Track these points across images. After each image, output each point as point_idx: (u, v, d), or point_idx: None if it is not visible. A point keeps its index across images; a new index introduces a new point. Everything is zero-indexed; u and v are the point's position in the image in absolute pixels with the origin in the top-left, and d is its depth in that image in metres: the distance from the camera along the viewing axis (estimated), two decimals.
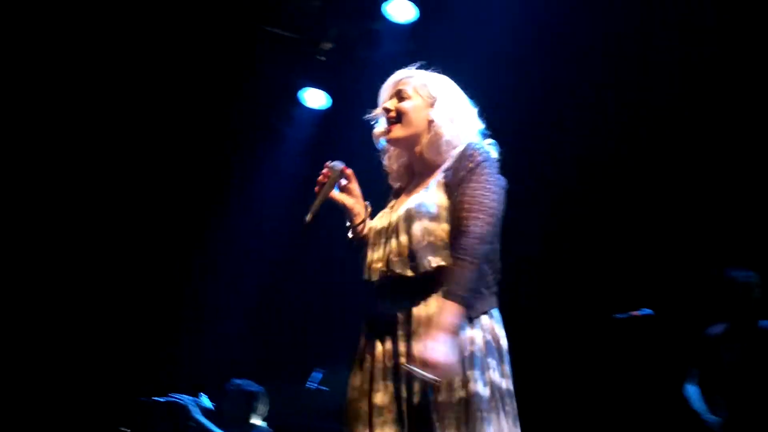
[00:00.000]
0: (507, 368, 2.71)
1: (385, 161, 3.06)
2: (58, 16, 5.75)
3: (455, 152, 2.84)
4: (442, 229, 2.73)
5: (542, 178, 5.98)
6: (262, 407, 5.19)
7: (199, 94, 6.38)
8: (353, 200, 2.98)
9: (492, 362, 2.66)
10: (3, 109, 5.93)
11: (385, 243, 2.80)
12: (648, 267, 5.73)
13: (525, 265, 5.80)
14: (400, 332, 2.69)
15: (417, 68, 3.04)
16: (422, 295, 2.69)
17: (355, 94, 5.44)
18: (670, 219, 5.74)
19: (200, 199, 6.74)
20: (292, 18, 6.10)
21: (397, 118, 2.94)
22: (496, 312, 2.76)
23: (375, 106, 2.99)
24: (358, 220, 2.96)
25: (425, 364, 2.50)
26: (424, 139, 2.91)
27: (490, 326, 2.70)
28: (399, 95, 2.97)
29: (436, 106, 2.92)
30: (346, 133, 4.24)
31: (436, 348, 2.51)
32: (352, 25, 5.93)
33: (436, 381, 2.52)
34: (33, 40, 5.79)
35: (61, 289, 6.39)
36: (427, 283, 2.69)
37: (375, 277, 2.78)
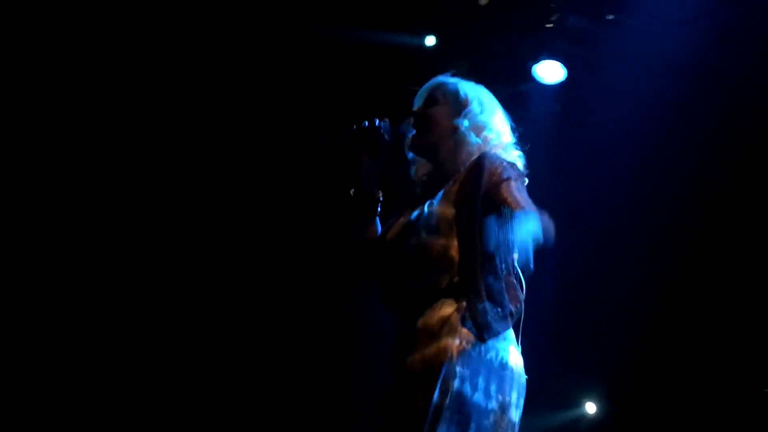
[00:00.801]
0: (492, 386, 2.41)
1: (413, 172, 2.93)
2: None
3: (469, 162, 2.68)
4: (439, 243, 2.54)
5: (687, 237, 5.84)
6: None
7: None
8: (369, 165, 2.85)
9: (462, 371, 2.39)
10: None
11: (393, 257, 2.67)
12: None
13: (671, 336, 5.68)
14: (401, 348, 2.55)
15: (453, 75, 2.91)
16: (425, 308, 2.52)
17: None
18: None
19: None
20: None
21: (420, 122, 2.82)
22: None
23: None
24: (369, 186, 2.84)
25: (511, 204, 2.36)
26: (448, 146, 2.76)
27: (471, 337, 2.43)
28: (429, 100, 2.85)
29: (464, 114, 2.78)
30: None
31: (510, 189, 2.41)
32: (500, 86, 5.99)
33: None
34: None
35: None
36: (427, 296, 2.53)
37: (393, 291, 2.66)
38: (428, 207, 2.64)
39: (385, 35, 6.14)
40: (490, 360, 2.43)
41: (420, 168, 2.91)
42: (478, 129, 2.76)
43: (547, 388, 5.91)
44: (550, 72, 5.77)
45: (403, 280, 2.59)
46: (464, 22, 6.11)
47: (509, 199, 2.42)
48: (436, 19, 6.20)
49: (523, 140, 2.85)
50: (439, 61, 6.12)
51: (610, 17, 5.56)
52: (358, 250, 2.83)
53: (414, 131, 2.85)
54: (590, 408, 6.90)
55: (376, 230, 2.84)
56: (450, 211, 2.58)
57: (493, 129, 2.79)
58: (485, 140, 2.75)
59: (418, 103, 2.90)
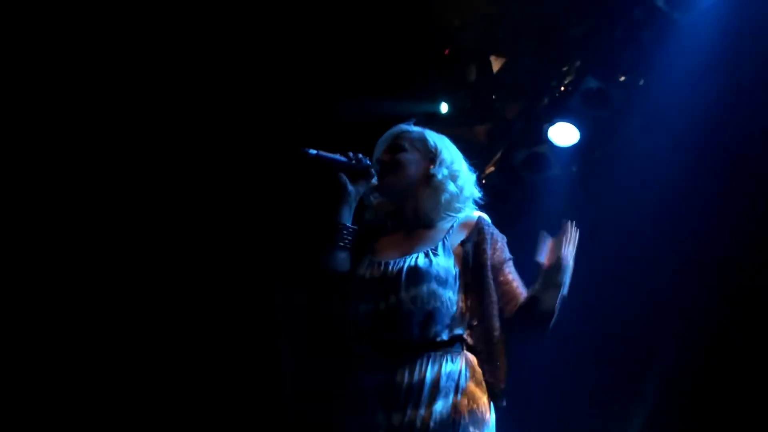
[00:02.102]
0: None
1: (370, 215, 2.92)
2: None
3: (460, 217, 2.80)
4: (447, 296, 2.62)
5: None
6: None
7: None
8: (351, 194, 2.78)
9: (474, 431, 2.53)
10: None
11: (382, 298, 2.64)
12: None
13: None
14: (398, 398, 2.55)
15: (414, 123, 2.95)
16: (419, 359, 2.56)
17: (518, 218, 5.51)
18: None
19: None
20: (461, 146, 6.25)
21: (391, 167, 2.82)
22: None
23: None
24: (346, 215, 2.77)
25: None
26: (422, 193, 2.81)
27: (476, 395, 2.57)
28: (394, 148, 2.86)
29: (438, 162, 2.83)
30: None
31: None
32: (515, 149, 6.03)
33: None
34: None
35: None
36: (423, 348, 2.58)
37: (370, 337, 2.64)
38: (432, 256, 2.68)
39: (398, 103, 6.19)
40: (489, 420, 2.58)
41: (379, 210, 2.93)
42: (453, 178, 2.84)
43: None
44: (564, 134, 5.81)
45: (401, 328, 2.61)
46: (478, 88, 6.19)
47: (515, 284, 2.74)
48: (449, 86, 6.26)
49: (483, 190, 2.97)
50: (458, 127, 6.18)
51: (622, 78, 5.62)
52: (328, 279, 2.76)
53: (376, 177, 2.83)
54: None
55: (348, 262, 2.78)
56: (457, 268, 2.69)
57: (465, 178, 2.88)
58: (461, 189, 2.84)
59: (379, 149, 2.91)
